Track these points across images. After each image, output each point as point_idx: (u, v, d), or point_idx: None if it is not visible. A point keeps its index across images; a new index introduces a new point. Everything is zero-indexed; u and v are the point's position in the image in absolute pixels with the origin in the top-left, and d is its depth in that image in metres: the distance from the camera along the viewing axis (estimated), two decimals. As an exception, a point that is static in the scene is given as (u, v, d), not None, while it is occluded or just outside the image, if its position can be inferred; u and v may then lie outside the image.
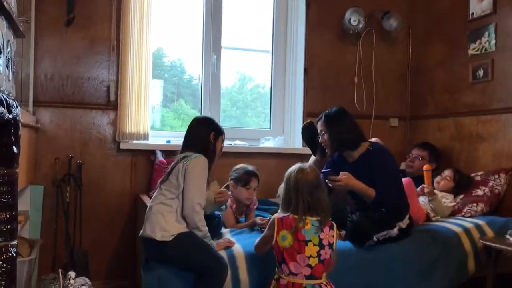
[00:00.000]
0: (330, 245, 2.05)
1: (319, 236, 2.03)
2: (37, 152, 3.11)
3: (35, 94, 3.08)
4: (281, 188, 2.19)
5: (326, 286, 2.03)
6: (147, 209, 2.32)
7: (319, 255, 2.02)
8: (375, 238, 2.49)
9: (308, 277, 2.01)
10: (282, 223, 2.06)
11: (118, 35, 3.25)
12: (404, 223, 2.55)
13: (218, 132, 2.48)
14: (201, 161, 2.32)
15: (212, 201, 2.48)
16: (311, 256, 2.01)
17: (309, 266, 2.01)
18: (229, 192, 2.75)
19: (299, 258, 2.01)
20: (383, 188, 2.51)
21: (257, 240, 2.22)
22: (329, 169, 2.63)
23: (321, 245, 2.03)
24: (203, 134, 2.44)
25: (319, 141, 2.72)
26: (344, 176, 2.52)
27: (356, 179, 2.52)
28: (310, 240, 2.02)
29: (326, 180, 2.50)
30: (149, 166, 3.32)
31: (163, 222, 2.22)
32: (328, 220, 2.08)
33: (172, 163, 2.36)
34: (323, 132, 2.68)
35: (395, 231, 2.52)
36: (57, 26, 3.14)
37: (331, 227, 2.08)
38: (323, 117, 2.70)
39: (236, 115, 4.07)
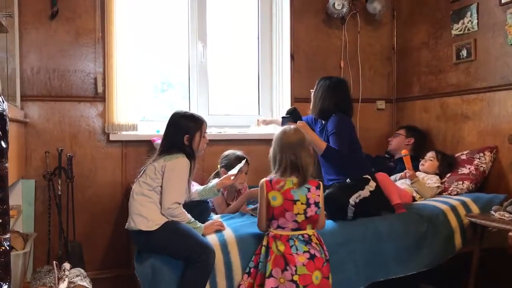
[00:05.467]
0: (316, 204, 2.20)
1: (306, 195, 2.19)
2: (27, 146, 3.12)
3: (22, 89, 3.09)
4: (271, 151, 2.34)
5: (310, 235, 2.21)
6: (129, 201, 2.37)
7: (305, 212, 2.19)
8: (352, 202, 2.58)
9: (294, 230, 2.20)
10: (271, 185, 2.21)
11: (103, 27, 3.25)
12: (371, 186, 2.68)
13: (193, 130, 2.43)
14: (180, 163, 2.34)
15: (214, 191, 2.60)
16: (298, 213, 2.19)
17: (295, 221, 2.20)
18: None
19: (287, 215, 2.19)
20: (332, 142, 2.74)
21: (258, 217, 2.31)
22: (288, 115, 2.87)
23: (308, 204, 2.20)
24: (177, 140, 2.42)
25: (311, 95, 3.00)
26: (300, 124, 2.69)
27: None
28: (298, 200, 2.19)
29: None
30: (140, 156, 3.34)
31: (146, 213, 2.28)
32: (307, 178, 2.21)
33: (151, 159, 2.43)
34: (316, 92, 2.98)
35: (366, 191, 2.64)
36: (41, 20, 3.13)
37: (318, 187, 2.23)
38: (323, 81, 3.00)
39: (229, 100, 4.06)
